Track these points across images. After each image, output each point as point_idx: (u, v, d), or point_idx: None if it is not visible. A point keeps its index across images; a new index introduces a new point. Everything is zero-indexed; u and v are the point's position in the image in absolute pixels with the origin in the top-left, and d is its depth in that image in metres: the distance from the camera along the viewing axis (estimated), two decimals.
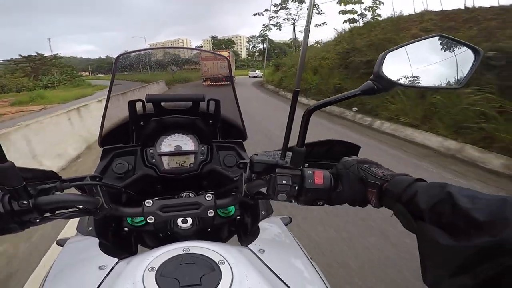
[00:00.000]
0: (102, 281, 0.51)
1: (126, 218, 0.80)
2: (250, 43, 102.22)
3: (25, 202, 0.51)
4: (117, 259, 0.58)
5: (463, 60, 0.58)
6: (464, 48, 0.58)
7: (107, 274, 0.53)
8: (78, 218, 0.75)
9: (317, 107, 0.53)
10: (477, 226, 0.34)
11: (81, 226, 0.76)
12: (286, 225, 0.80)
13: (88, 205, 0.61)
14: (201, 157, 0.89)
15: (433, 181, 0.45)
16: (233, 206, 0.84)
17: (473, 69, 0.57)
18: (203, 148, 0.90)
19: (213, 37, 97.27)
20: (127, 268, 0.51)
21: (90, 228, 0.74)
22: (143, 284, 0.44)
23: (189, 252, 0.52)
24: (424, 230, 0.40)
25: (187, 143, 0.91)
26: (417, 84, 0.56)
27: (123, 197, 0.83)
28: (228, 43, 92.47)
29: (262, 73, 35.90)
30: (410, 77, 0.55)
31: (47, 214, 0.57)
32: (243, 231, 0.89)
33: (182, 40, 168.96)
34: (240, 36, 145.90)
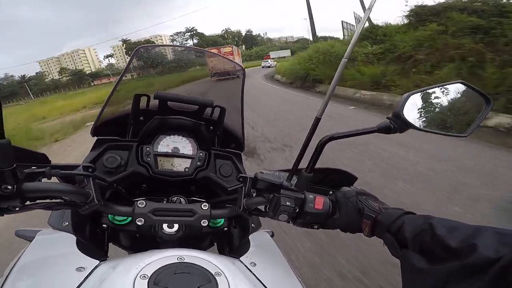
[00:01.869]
0: (81, 284, 0.47)
1: (107, 215, 0.75)
2: (175, 42, 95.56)
3: (9, 187, 0.45)
4: (98, 261, 0.54)
5: (475, 108, 0.59)
6: (479, 97, 0.59)
7: (86, 277, 0.49)
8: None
9: (332, 138, 0.54)
10: (450, 252, 0.39)
11: (55, 219, 0.69)
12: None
13: (77, 198, 0.56)
14: (198, 163, 0.87)
15: (421, 214, 0.50)
16: (222, 218, 0.82)
17: (482, 119, 0.59)
18: (201, 154, 0.88)
19: (125, 41, 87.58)
20: (114, 273, 0.48)
21: (67, 223, 0.68)
22: None
23: (184, 261, 0.49)
24: (407, 257, 0.45)
25: (185, 146, 0.88)
26: (428, 129, 0.57)
27: (108, 193, 0.79)
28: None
29: (275, 63, 35.44)
30: (424, 120, 0.56)
31: (29, 203, 0.52)
32: (226, 242, 0.87)
33: (83, 50, 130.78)
34: (161, 36, 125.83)
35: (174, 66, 1.04)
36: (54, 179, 0.59)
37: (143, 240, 0.82)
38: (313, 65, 12.75)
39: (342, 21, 17.45)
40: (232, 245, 0.84)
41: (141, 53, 0.93)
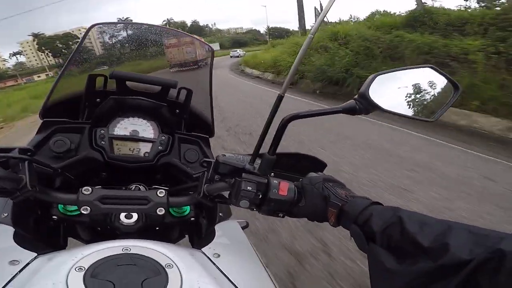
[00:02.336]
0: (12, 278, 0.42)
1: (57, 206, 0.69)
2: (104, 34, 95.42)
3: None
4: (35, 254, 0.49)
5: (443, 93, 0.59)
6: (448, 83, 0.58)
7: (20, 270, 0.44)
8: None
9: (295, 117, 0.52)
10: (422, 251, 0.36)
11: None
12: (243, 229, 0.77)
13: (6, 183, 0.49)
14: (159, 147, 0.81)
15: (388, 205, 0.47)
16: (188, 206, 0.78)
17: (449, 104, 0.59)
18: (163, 137, 0.82)
19: (36, 36, 76.13)
20: (47, 265, 0.44)
21: (6, 214, 0.61)
22: (67, 285, 0.37)
23: (130, 252, 0.45)
24: (374, 252, 0.42)
25: (146, 129, 0.82)
26: (395, 110, 0.55)
27: (58, 181, 0.73)
28: (67, 39, 74.90)
29: (244, 52, 35.52)
30: (392, 102, 0.54)
31: None
32: (196, 233, 0.83)
33: None
34: (85, 28, 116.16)
35: (136, 46, 0.96)
36: None
37: (102, 233, 0.76)
38: (358, 60, 8.09)
39: (315, 7, 16.48)
40: (201, 236, 0.80)
41: (97, 31, 0.86)
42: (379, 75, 0.52)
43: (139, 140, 0.80)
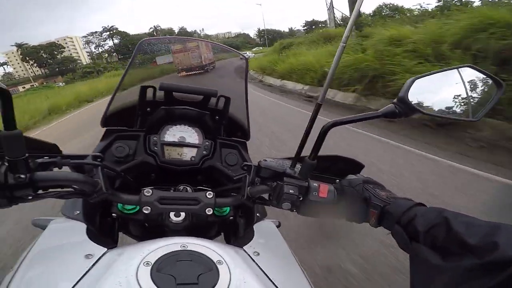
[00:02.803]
0: (88, 271, 0.48)
1: (116, 204, 0.77)
2: (90, 44, 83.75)
3: (22, 176, 0.47)
4: (106, 249, 0.55)
5: (486, 92, 0.58)
6: (489, 81, 0.57)
7: (94, 264, 0.50)
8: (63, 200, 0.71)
9: (336, 124, 0.54)
10: (468, 249, 0.37)
11: (67, 208, 0.71)
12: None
13: (86, 187, 0.57)
14: (203, 152, 0.87)
15: (433, 206, 0.48)
16: (228, 207, 0.83)
17: (492, 103, 0.57)
18: (207, 143, 0.88)
19: (20, 46, 71.66)
20: (119, 260, 0.49)
21: (78, 212, 0.70)
22: (137, 279, 0.42)
23: (187, 249, 0.50)
24: (418, 251, 0.43)
25: (191, 135, 0.89)
26: (436, 113, 0.55)
27: (117, 182, 0.81)
28: (52, 49, 73.44)
29: (253, 54, 34.75)
30: (432, 105, 0.55)
31: (40, 192, 0.53)
32: (232, 231, 0.88)
33: None
34: (71, 38, 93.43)
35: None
36: (66, 169, 0.61)
37: (151, 230, 0.83)
38: None
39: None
40: (238, 234, 0.85)
41: (145, 46, 0.94)
42: (417, 78, 0.52)
43: (186, 145, 0.87)
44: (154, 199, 0.62)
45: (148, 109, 0.88)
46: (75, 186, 0.58)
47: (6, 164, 0.47)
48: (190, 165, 0.86)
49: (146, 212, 0.62)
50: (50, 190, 0.55)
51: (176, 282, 0.42)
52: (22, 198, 0.50)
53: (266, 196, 0.65)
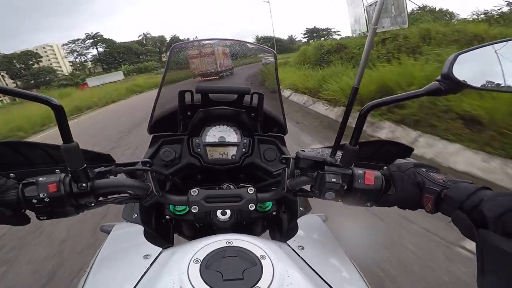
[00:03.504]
0: (147, 270, 0.52)
1: (169, 206, 0.82)
2: (73, 53, 73.28)
3: (84, 184, 0.52)
4: (161, 249, 0.59)
5: None
6: None
7: (151, 264, 0.54)
8: (123, 205, 0.77)
9: (375, 106, 0.52)
10: None
11: (127, 213, 0.78)
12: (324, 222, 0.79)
13: (139, 191, 0.62)
14: (243, 149, 0.90)
15: (501, 191, 0.44)
16: (270, 202, 0.84)
17: None
18: (245, 140, 0.91)
19: None
20: (172, 259, 0.52)
21: (136, 215, 0.75)
22: (188, 276, 0.44)
23: (232, 245, 0.52)
24: (488, 238, 0.40)
25: (230, 134, 0.92)
26: (489, 86, 0.52)
27: (167, 185, 0.86)
28: (26, 58, 64.62)
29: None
30: (479, 79, 0.52)
31: (101, 198, 0.58)
32: (276, 227, 0.89)
33: None
34: (52, 46, 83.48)
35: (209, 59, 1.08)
36: (121, 176, 0.67)
37: (202, 229, 0.88)
38: None
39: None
40: (282, 229, 0.86)
41: (176, 50, 0.97)
42: (460, 53, 0.49)
43: (226, 144, 0.90)
44: (201, 198, 0.65)
45: (189, 112, 0.93)
46: (129, 191, 0.63)
47: (69, 175, 0.52)
48: (231, 163, 0.89)
49: (194, 211, 0.65)
50: (109, 196, 0.61)
51: (223, 278, 0.45)
52: (86, 205, 0.55)
53: (308, 188, 0.64)
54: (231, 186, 0.83)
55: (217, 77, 1.08)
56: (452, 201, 0.47)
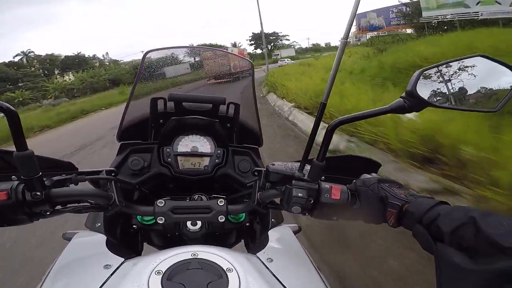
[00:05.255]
0: (106, 281, 0.50)
1: (136, 216, 0.79)
2: None
3: (38, 193, 0.50)
4: (123, 259, 0.57)
5: (503, 82, 0.55)
6: (505, 70, 0.54)
7: (112, 274, 0.52)
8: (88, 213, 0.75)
9: (341, 123, 0.53)
10: (500, 251, 0.35)
11: (90, 221, 0.75)
12: (295, 234, 0.79)
13: (100, 201, 0.60)
14: (216, 160, 0.88)
15: (457, 205, 0.46)
16: (243, 213, 0.83)
17: None
18: (219, 151, 0.89)
19: None
20: (133, 269, 0.50)
21: (99, 224, 0.73)
22: (148, 287, 0.43)
23: (198, 257, 0.50)
24: (444, 252, 0.41)
25: (203, 144, 0.90)
26: (449, 105, 0.53)
27: (135, 194, 0.83)
28: None
29: (292, 61, 34.71)
30: (444, 98, 0.53)
31: (59, 207, 0.56)
32: (251, 238, 0.88)
33: None
34: None
35: (186, 67, 1.06)
36: (85, 185, 0.64)
37: (172, 239, 0.85)
38: None
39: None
40: (256, 240, 0.84)
41: (151, 57, 0.95)
42: (425, 70, 0.50)
43: (199, 155, 0.88)
44: (167, 209, 0.64)
45: (161, 120, 0.90)
46: (90, 200, 0.61)
47: (23, 183, 0.50)
48: (204, 174, 0.87)
49: (160, 222, 0.64)
50: (68, 205, 0.58)
51: None
52: (41, 214, 0.53)
53: (278, 200, 0.64)
54: (203, 197, 0.81)
55: (191, 85, 1.07)
56: (412, 215, 0.49)
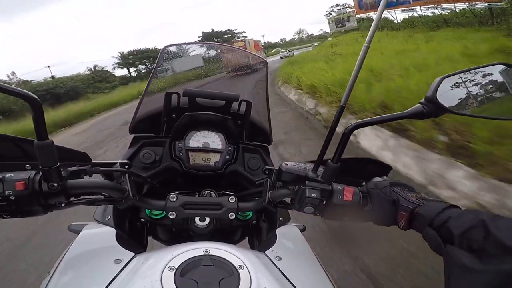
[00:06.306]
0: (117, 275, 0.50)
1: (145, 210, 0.79)
2: None
3: (55, 184, 0.50)
4: (133, 253, 0.57)
5: None
6: None
7: (122, 269, 0.52)
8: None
9: (358, 126, 0.53)
10: (509, 252, 0.36)
11: (99, 214, 0.75)
12: (301, 232, 0.79)
13: (114, 193, 0.60)
14: (226, 157, 0.88)
15: (467, 208, 0.47)
16: (252, 211, 0.83)
17: None
18: (229, 148, 0.89)
19: None
20: (145, 264, 0.50)
21: (109, 217, 0.73)
22: (161, 283, 0.43)
23: (209, 254, 0.50)
24: (453, 254, 0.42)
25: (215, 141, 0.90)
26: (469, 112, 0.53)
27: (145, 188, 0.83)
28: None
29: (293, 53, 34.22)
30: (463, 105, 0.52)
31: (73, 199, 0.56)
32: (256, 235, 0.88)
33: None
34: None
35: (200, 62, 1.06)
36: (97, 176, 0.64)
37: (178, 234, 0.85)
38: None
39: None
40: (261, 239, 0.85)
41: (168, 52, 0.95)
42: (446, 77, 0.50)
43: (210, 151, 0.88)
44: (179, 204, 0.64)
45: (174, 115, 0.90)
46: (104, 193, 0.61)
47: (40, 173, 0.50)
48: (214, 170, 0.87)
49: (171, 217, 0.64)
50: (82, 197, 0.58)
51: (198, 287, 0.43)
52: (55, 205, 0.53)
53: (288, 200, 0.65)
54: (212, 193, 0.82)
55: (204, 80, 1.07)
56: (423, 218, 0.50)
